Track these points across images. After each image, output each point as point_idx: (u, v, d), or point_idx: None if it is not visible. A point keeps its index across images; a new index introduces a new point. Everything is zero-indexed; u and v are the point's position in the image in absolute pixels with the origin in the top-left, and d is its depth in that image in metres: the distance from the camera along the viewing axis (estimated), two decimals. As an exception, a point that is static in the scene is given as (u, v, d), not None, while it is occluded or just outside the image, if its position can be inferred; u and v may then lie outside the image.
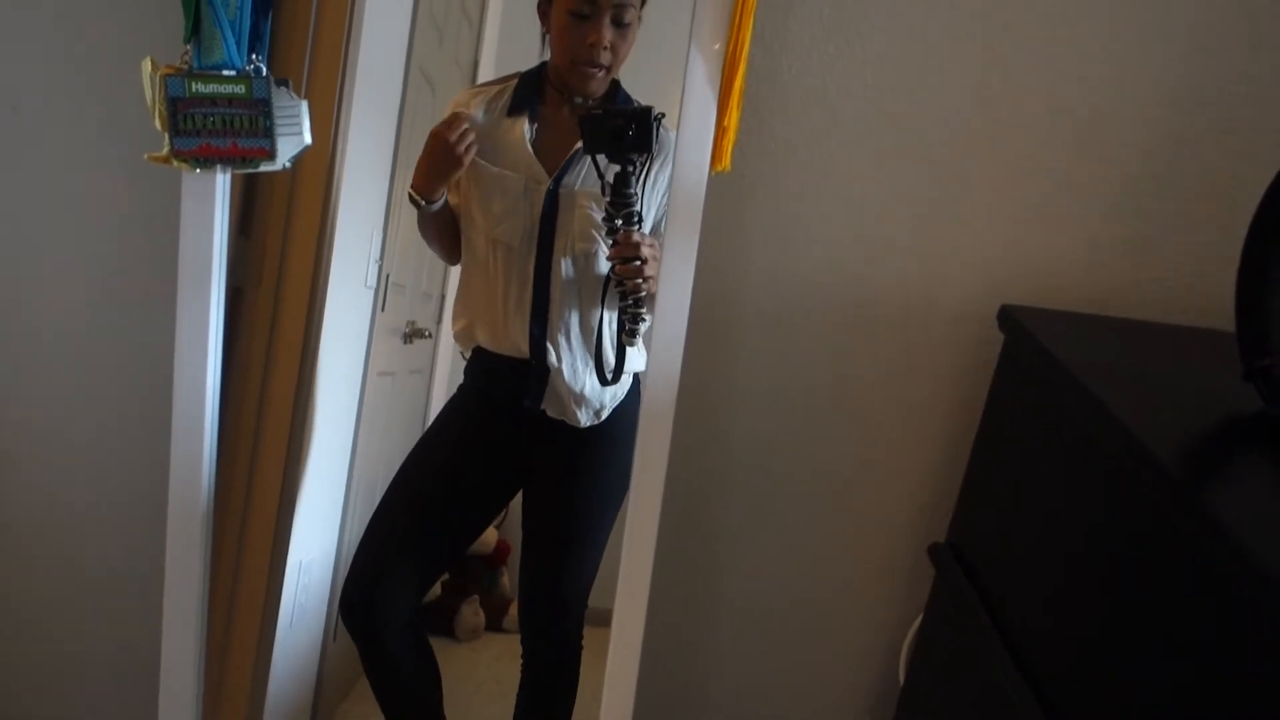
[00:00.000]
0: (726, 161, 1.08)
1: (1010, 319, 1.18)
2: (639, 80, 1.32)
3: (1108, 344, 1.18)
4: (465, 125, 1.26)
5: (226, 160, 1.02)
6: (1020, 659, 1.01)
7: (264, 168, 1.03)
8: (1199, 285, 1.28)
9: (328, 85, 1.28)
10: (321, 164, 1.28)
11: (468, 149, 1.26)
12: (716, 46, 1.06)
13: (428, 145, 1.29)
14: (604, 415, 1.38)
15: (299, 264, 1.31)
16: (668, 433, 1.13)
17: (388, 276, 1.55)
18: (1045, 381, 1.09)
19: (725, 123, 1.06)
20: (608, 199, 1.18)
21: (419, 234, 1.42)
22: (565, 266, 1.30)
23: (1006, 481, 1.17)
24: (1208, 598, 0.75)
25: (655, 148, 1.16)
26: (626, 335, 1.27)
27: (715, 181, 1.09)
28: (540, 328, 1.33)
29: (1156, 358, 1.16)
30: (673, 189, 1.10)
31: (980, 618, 1.10)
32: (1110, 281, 1.29)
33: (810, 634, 1.49)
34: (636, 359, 1.34)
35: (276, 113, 1.01)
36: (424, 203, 1.31)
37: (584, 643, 1.43)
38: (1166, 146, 1.25)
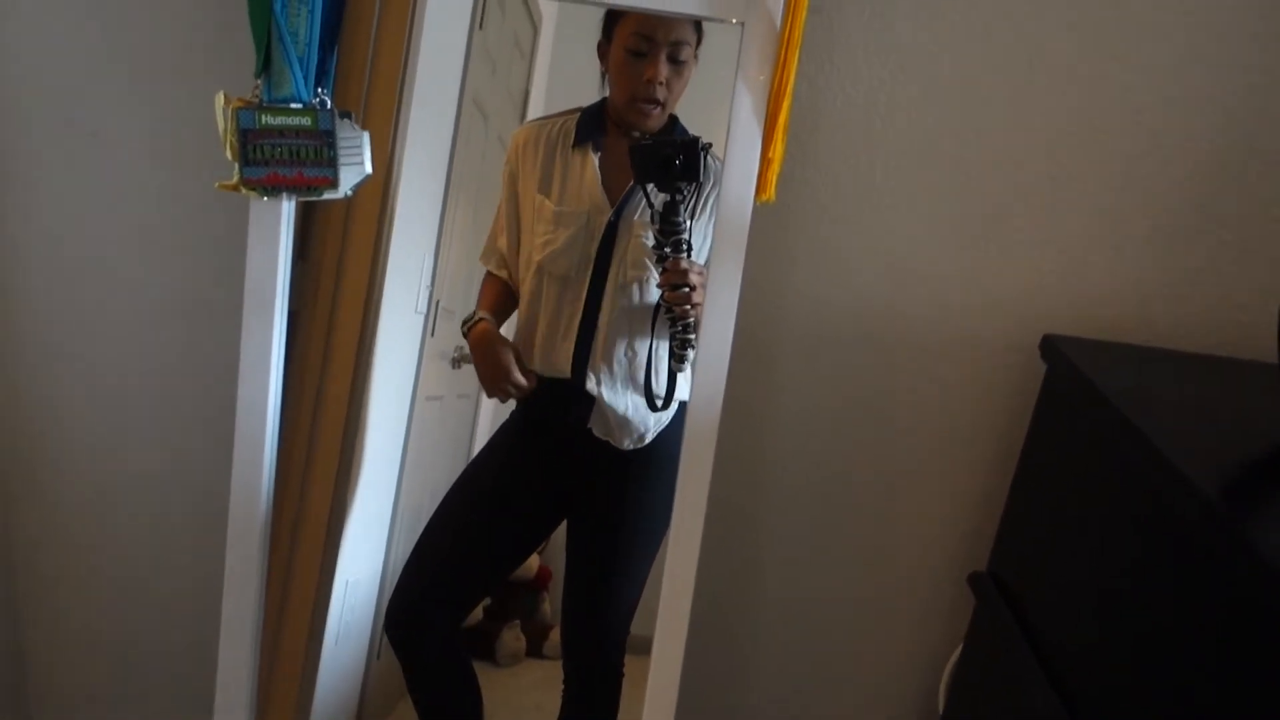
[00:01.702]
0: (771, 192, 1.10)
1: (1053, 349, 1.18)
2: (693, 114, 1.35)
3: (1150, 374, 1.17)
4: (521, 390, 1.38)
5: (292, 188, 1.06)
6: (1062, 690, 1.00)
7: (327, 195, 1.07)
8: (1243, 317, 1.27)
9: (384, 116, 1.31)
10: (377, 191, 1.31)
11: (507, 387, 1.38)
12: (762, 78, 1.08)
13: (487, 368, 1.40)
14: (647, 439, 1.40)
15: (353, 287, 1.34)
16: (710, 455, 1.14)
17: (438, 302, 1.58)
18: (1087, 411, 1.08)
19: (770, 154, 1.08)
20: (656, 227, 1.21)
21: (470, 262, 1.46)
22: (616, 294, 1.33)
23: (1047, 511, 1.17)
24: (1251, 632, 0.74)
25: (704, 176, 1.19)
26: (675, 361, 1.29)
27: (759, 209, 1.11)
28: (584, 352, 1.35)
29: (1199, 389, 1.15)
30: (718, 217, 1.12)
31: (1021, 647, 1.10)
32: (1154, 312, 1.29)
33: (849, 661, 1.48)
34: (683, 386, 1.35)
35: (340, 144, 1.05)
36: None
37: (625, 671, 1.43)
38: (1213, 178, 1.25)
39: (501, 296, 1.42)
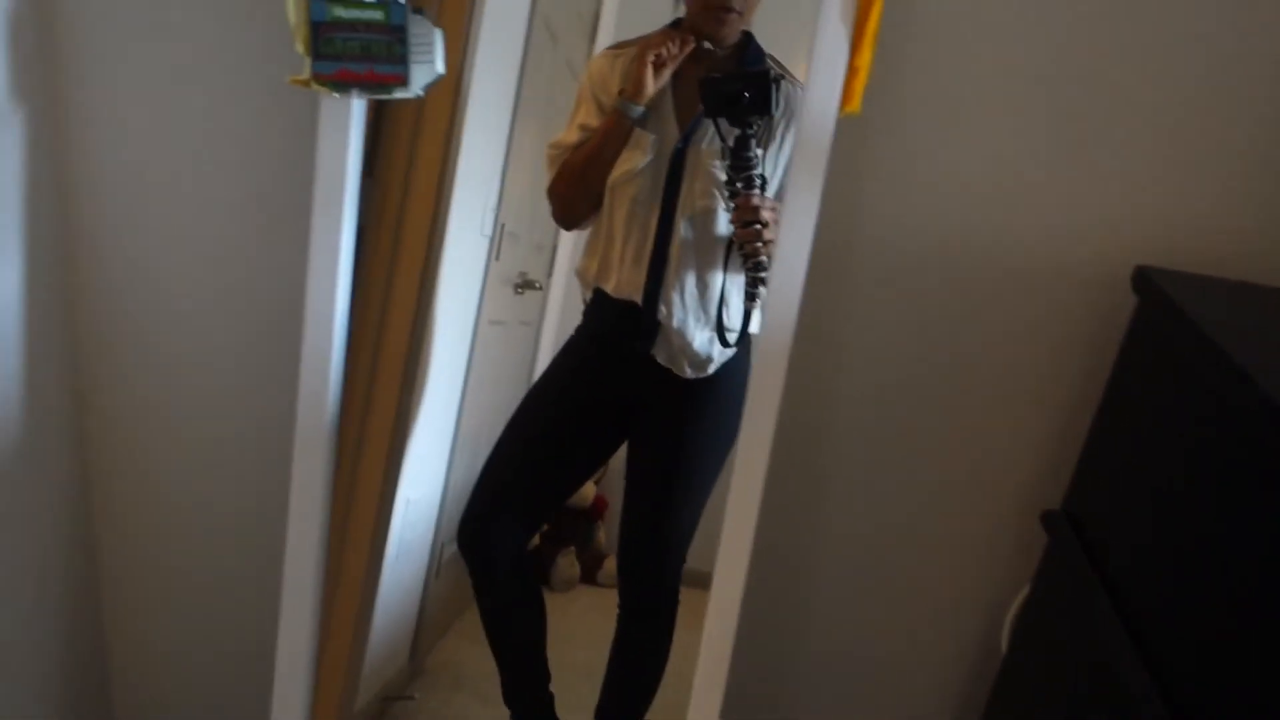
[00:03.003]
0: (856, 103, 1.06)
1: (1146, 281, 1.12)
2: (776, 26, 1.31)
3: (1249, 310, 1.11)
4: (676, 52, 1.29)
5: (363, 86, 1.04)
6: (1137, 634, 0.97)
7: (398, 94, 1.05)
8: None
9: (454, 29, 1.29)
10: (445, 108, 1.30)
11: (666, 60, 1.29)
12: (851, -20, 1.03)
13: (644, 50, 1.30)
14: (710, 369, 1.38)
15: (420, 206, 1.33)
16: (780, 383, 1.11)
17: (503, 226, 1.57)
18: (1181, 347, 1.03)
19: (857, 62, 1.03)
20: (728, 162, 1.18)
21: (550, 191, 1.43)
22: (685, 224, 1.31)
23: (1132, 450, 1.12)
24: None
25: (777, 111, 1.16)
26: (746, 299, 1.28)
27: (840, 125, 1.07)
28: (655, 282, 1.34)
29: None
30: (799, 129, 1.08)
31: (1095, 589, 1.06)
32: (1252, 245, 1.22)
33: (910, 594, 1.46)
34: (754, 321, 1.33)
35: (412, 40, 1.03)
36: (633, 109, 1.31)
37: (686, 605, 1.43)
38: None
39: None
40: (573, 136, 1.39)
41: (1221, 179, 1.21)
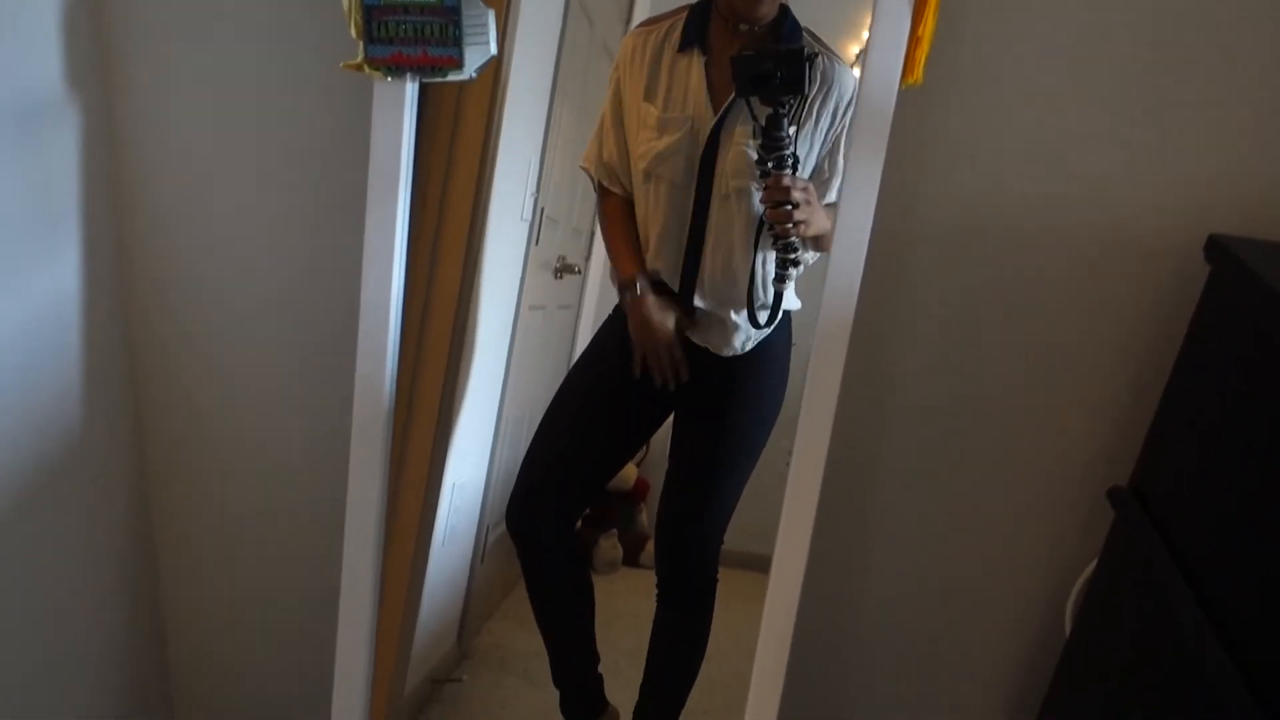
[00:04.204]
0: (919, 73, 1.03)
1: (1219, 249, 1.10)
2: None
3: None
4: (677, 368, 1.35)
5: (417, 69, 1.03)
6: (1211, 613, 0.95)
7: (451, 77, 1.04)
8: None
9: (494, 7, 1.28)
10: (485, 92, 1.28)
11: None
12: (916, -53, 1.00)
13: (646, 338, 1.36)
14: (748, 346, 1.37)
15: (461, 192, 1.32)
16: (841, 359, 1.10)
17: (542, 210, 1.56)
18: (1259, 317, 1.00)
19: (920, 31, 1.01)
20: (759, 142, 1.15)
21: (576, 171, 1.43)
22: (719, 205, 1.29)
23: (1204, 425, 1.10)
24: None
25: (810, 88, 1.13)
26: (777, 281, 1.26)
27: (901, 95, 1.05)
28: (693, 263, 1.32)
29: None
30: (860, 101, 1.06)
31: (1167, 567, 1.04)
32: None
33: (973, 574, 1.45)
34: (790, 300, 1.32)
35: (465, 22, 1.01)
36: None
37: (725, 585, 1.42)
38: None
39: (632, 227, 1.37)
40: (601, 143, 1.37)
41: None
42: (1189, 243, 1.18)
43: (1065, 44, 1.19)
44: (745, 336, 1.35)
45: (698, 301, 1.33)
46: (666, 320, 1.35)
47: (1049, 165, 1.24)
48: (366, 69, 1.02)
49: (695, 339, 1.36)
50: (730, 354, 1.36)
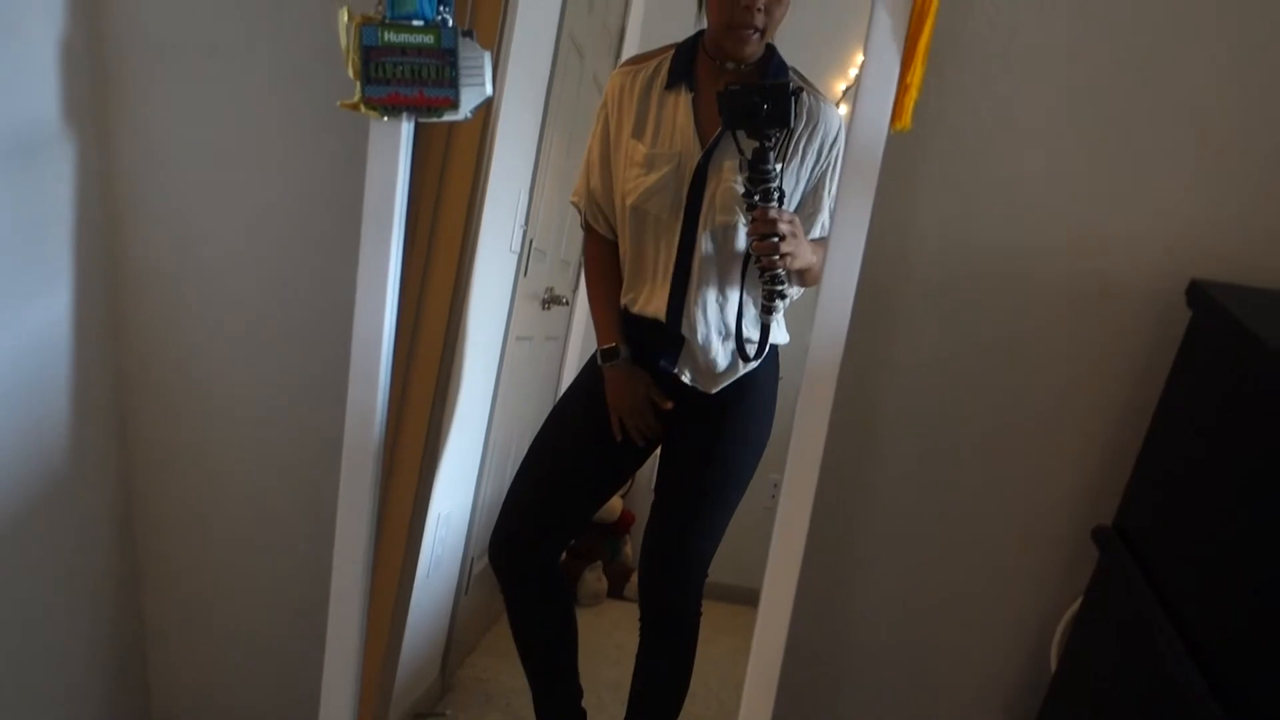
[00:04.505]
0: (907, 120, 1.05)
1: (1200, 294, 1.12)
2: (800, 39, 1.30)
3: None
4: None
5: (413, 109, 1.04)
6: (1196, 654, 0.96)
7: (447, 117, 1.05)
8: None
9: (485, 48, 1.29)
10: (476, 125, 1.29)
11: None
12: (903, -1, 1.02)
13: (621, 406, 1.40)
14: (735, 379, 1.37)
15: (451, 223, 1.33)
16: (829, 396, 1.11)
17: (531, 242, 1.57)
18: (1239, 360, 1.03)
19: (908, 79, 1.03)
20: (745, 175, 1.17)
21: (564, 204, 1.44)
22: (707, 239, 1.30)
23: (1186, 464, 1.12)
24: None
25: (795, 122, 1.15)
26: (762, 312, 1.27)
27: (890, 140, 1.06)
28: (679, 297, 1.33)
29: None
30: (849, 145, 1.08)
31: (1150, 606, 1.05)
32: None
33: (958, 612, 1.46)
34: (778, 334, 1.33)
35: (462, 64, 1.02)
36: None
37: (710, 619, 1.42)
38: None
39: (614, 280, 1.41)
40: (588, 178, 1.39)
41: (1277, 191, 1.21)
42: (1171, 288, 1.21)
43: (1049, 93, 1.22)
44: (732, 370, 1.36)
45: (685, 334, 1.34)
46: (638, 390, 1.38)
47: (1032, 210, 1.26)
48: (363, 108, 1.03)
49: (684, 375, 1.37)
50: (718, 389, 1.37)
